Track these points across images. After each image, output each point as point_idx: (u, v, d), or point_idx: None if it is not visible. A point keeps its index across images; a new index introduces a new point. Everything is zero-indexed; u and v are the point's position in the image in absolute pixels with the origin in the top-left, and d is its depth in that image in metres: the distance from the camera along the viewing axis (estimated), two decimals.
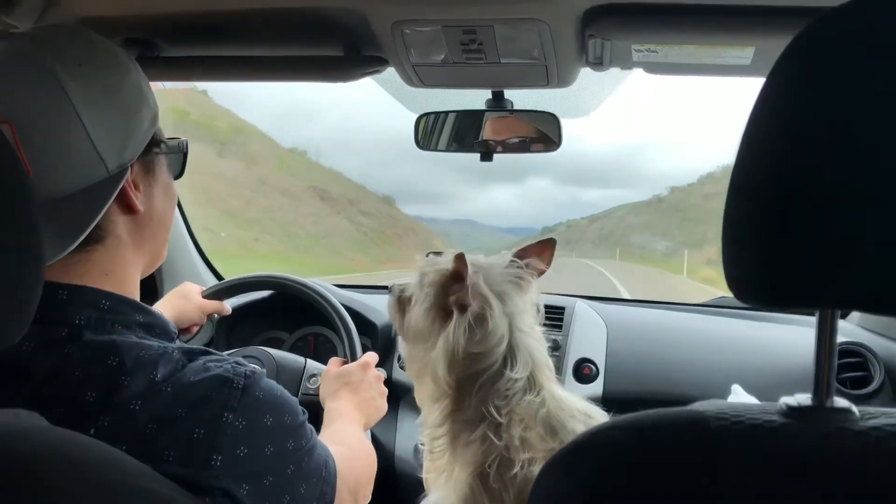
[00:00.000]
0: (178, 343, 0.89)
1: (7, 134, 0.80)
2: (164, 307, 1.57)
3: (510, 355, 1.08)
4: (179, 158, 1.04)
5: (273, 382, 0.90)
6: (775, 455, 0.56)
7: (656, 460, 0.59)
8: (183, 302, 1.60)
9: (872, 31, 0.54)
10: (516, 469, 1.02)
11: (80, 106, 0.84)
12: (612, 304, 2.14)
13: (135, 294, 0.94)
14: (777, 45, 1.15)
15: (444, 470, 1.14)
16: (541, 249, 1.20)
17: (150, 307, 0.93)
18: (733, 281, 0.61)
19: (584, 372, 1.82)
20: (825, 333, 0.61)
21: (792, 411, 0.60)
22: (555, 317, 1.93)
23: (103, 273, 0.90)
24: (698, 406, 0.62)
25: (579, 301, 2.03)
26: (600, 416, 1.11)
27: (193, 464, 0.78)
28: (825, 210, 0.54)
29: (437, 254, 1.53)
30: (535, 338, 1.12)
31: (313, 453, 0.93)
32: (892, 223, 0.53)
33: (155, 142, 0.96)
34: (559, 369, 1.82)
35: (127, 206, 0.92)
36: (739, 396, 1.38)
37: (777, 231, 0.56)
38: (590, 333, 1.92)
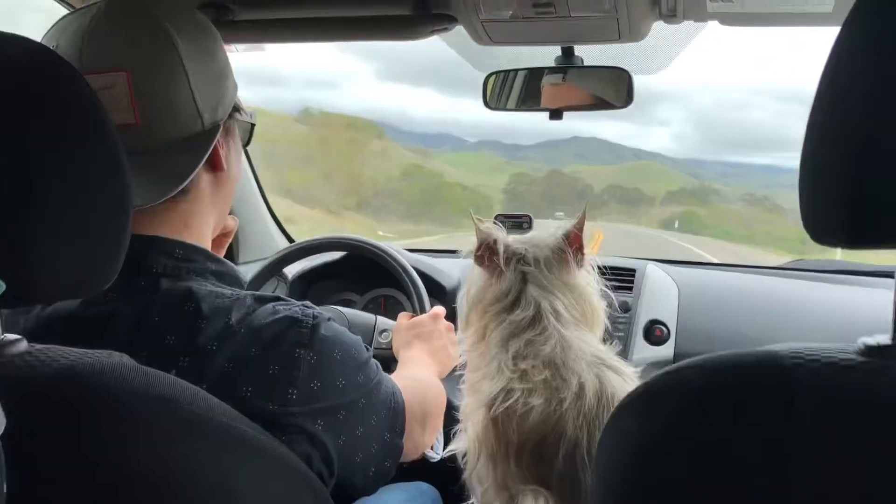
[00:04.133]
0: (249, 291, 0.93)
1: (122, 81, 0.86)
2: None
3: (516, 302, 1.22)
4: (248, 128, 1.08)
5: (336, 324, 0.93)
6: (853, 392, 0.55)
7: (732, 399, 0.59)
8: None
9: None
10: (516, 396, 1.09)
11: (187, 61, 0.89)
12: (684, 266, 2.10)
13: (207, 246, 0.98)
14: None
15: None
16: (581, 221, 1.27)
17: (220, 256, 0.97)
18: (809, 219, 0.60)
19: (655, 334, 1.80)
20: None
21: (870, 350, 0.58)
22: (625, 279, 1.91)
23: (183, 223, 0.94)
24: (772, 347, 0.61)
25: (650, 263, 2.00)
26: (616, 363, 1.16)
27: (272, 398, 0.82)
28: None
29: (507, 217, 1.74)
30: (552, 293, 1.22)
31: (381, 386, 0.97)
32: None
33: (236, 108, 1.01)
34: (629, 331, 1.81)
35: (212, 164, 0.96)
36: None
37: (858, 166, 0.55)
38: (661, 296, 1.89)
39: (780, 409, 0.56)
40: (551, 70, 1.51)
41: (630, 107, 1.53)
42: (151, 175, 0.87)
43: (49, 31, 0.92)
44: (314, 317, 0.89)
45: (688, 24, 1.35)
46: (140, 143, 0.87)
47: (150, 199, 0.87)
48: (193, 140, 0.91)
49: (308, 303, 0.92)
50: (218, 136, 0.94)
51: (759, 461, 0.56)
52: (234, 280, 0.95)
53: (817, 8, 1.19)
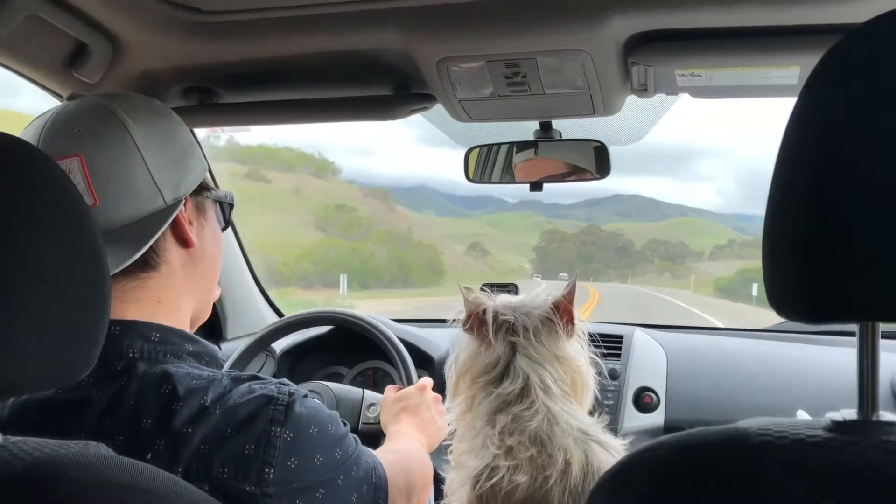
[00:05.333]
0: (226, 370, 0.93)
1: (77, 166, 0.89)
2: None
3: (505, 374, 1.21)
4: (226, 210, 1.11)
5: (313, 400, 0.93)
6: (818, 468, 0.56)
7: (702, 476, 0.59)
8: None
9: None
10: (502, 473, 1.09)
11: (141, 143, 0.93)
12: (671, 331, 2.10)
13: (184, 326, 0.99)
14: None
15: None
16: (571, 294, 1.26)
17: (197, 337, 0.98)
18: (773, 296, 0.61)
19: (644, 401, 1.79)
20: (866, 347, 0.60)
21: (837, 426, 0.59)
22: (613, 346, 1.91)
23: (156, 300, 0.95)
24: (742, 423, 0.61)
25: (638, 329, 2.00)
26: (603, 437, 1.15)
27: (249, 478, 0.82)
28: (861, 223, 0.54)
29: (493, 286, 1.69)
30: (541, 365, 1.21)
31: (360, 461, 0.96)
32: None
33: (206, 187, 1.05)
34: (618, 399, 1.80)
35: (182, 240, 0.98)
36: None
37: (814, 245, 0.56)
38: (649, 362, 1.89)
39: (747, 486, 0.56)
40: (528, 144, 1.54)
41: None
42: (111, 251, 0.89)
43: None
44: (290, 394, 0.89)
45: (660, 97, 1.39)
46: (102, 222, 0.89)
47: (111, 269, 0.88)
48: (154, 216, 0.94)
49: (285, 380, 0.93)
50: (180, 207, 0.97)
51: None
52: (211, 360, 0.96)
53: (782, 81, 1.23)
